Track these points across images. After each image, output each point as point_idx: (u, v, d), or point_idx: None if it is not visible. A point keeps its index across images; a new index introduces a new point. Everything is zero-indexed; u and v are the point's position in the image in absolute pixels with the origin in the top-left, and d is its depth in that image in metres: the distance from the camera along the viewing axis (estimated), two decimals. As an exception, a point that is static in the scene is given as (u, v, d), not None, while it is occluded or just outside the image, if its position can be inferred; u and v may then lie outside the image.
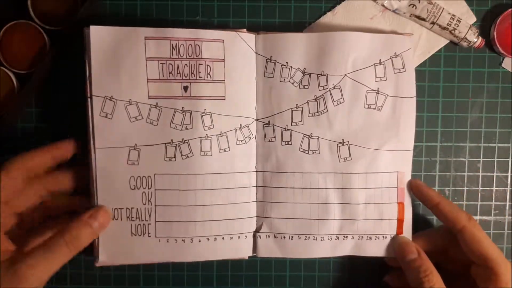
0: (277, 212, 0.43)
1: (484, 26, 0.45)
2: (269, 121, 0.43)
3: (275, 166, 0.43)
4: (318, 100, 0.42)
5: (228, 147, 0.42)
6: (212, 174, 0.42)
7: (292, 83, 0.42)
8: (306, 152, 0.43)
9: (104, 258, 0.41)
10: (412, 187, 0.43)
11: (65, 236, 0.36)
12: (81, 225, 0.38)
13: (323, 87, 0.42)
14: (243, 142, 0.42)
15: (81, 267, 0.45)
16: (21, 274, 0.34)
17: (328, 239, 0.43)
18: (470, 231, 0.39)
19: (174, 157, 0.41)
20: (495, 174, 0.46)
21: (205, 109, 0.41)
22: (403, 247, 0.41)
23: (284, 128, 0.43)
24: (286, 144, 0.43)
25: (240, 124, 0.42)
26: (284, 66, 0.42)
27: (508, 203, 0.46)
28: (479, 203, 0.46)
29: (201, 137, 0.41)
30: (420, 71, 0.45)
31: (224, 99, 0.42)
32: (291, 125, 0.43)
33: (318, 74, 0.42)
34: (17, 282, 0.34)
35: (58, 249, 0.36)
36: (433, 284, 0.39)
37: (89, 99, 0.40)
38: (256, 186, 0.43)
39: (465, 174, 0.46)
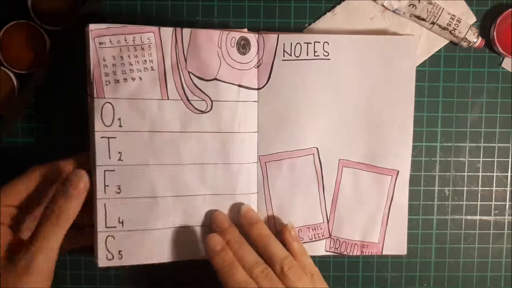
0: None
1: (484, 26, 0.45)
2: None
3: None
4: None
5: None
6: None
7: None
8: None
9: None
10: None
11: (46, 212, 0.36)
12: (57, 197, 0.36)
13: None
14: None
15: (81, 267, 0.45)
16: (21, 263, 0.34)
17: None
18: None
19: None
20: (495, 174, 0.46)
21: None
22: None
23: None
24: None
25: None
26: None
27: (508, 203, 0.46)
28: (479, 203, 0.46)
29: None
30: (420, 71, 0.45)
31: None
32: None
33: None
34: (21, 272, 0.34)
35: (44, 228, 0.35)
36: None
37: (88, 97, 0.41)
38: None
39: (465, 174, 0.46)
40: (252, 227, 0.41)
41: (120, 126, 0.41)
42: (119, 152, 0.41)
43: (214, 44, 0.41)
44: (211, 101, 0.42)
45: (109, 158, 0.40)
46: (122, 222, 0.41)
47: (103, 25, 0.40)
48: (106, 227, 0.41)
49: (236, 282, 0.37)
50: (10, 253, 0.35)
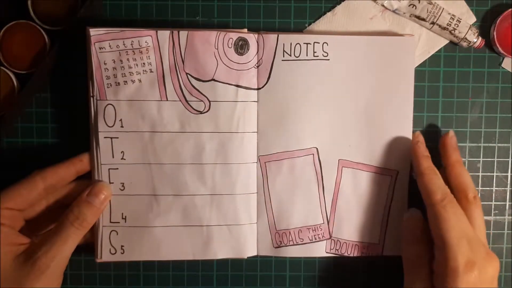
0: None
1: (484, 26, 0.45)
2: None
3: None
4: None
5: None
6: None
7: None
8: None
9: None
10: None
11: (69, 217, 0.38)
12: (81, 204, 0.39)
13: None
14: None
15: (81, 267, 0.45)
16: (40, 263, 0.36)
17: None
18: (436, 211, 0.38)
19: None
20: (495, 174, 0.46)
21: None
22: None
23: None
24: None
25: None
26: None
27: (508, 203, 0.46)
28: (479, 203, 0.46)
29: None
30: (420, 71, 0.45)
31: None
32: None
33: None
34: (39, 272, 0.36)
35: (65, 231, 0.38)
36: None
37: (91, 98, 0.42)
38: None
39: (465, 174, 0.46)
40: (453, 153, 0.43)
41: (122, 126, 0.42)
42: (121, 152, 0.42)
43: (211, 45, 0.41)
44: (209, 101, 0.42)
45: (113, 157, 0.42)
46: (125, 218, 0.42)
47: (102, 30, 0.41)
48: (110, 222, 0.42)
49: (437, 186, 0.40)
50: (22, 253, 0.37)
